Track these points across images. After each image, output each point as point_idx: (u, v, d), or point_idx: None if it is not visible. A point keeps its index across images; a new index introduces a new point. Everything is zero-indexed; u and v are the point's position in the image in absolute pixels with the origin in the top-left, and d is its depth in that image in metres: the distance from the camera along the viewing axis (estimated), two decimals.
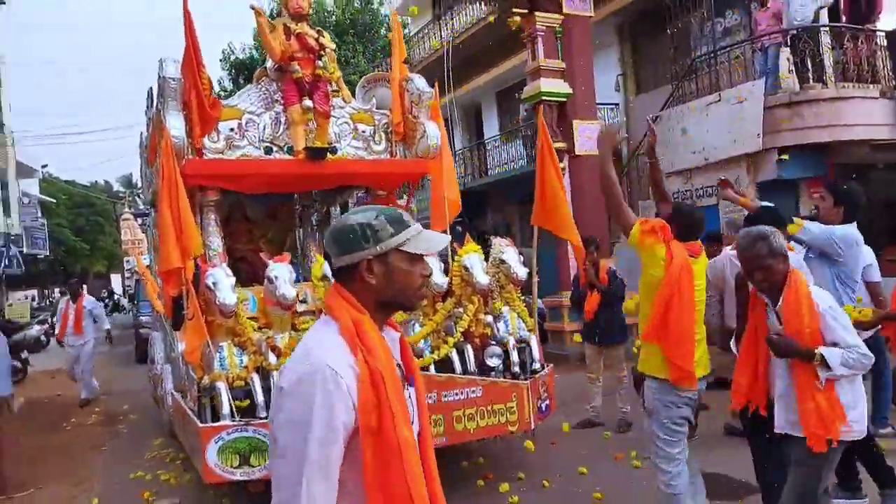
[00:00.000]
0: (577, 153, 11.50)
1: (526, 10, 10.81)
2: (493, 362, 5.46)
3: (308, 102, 6.09)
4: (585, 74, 11.88)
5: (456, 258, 5.68)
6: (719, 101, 11.64)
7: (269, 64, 6.43)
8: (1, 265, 23.78)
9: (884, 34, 11.04)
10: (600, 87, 13.27)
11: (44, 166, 32.66)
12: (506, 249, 5.69)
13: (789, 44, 10.93)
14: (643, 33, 15.67)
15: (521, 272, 5.56)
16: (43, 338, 17.84)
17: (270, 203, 8.16)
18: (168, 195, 5.06)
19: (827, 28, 11.10)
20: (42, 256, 30.46)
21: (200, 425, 4.86)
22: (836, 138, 10.66)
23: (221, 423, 4.85)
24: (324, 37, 6.26)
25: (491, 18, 15.21)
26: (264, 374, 5.13)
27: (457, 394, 5.20)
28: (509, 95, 19.02)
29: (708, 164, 11.84)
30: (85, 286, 13.45)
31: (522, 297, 5.93)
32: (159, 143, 6.13)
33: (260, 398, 4.99)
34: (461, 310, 5.63)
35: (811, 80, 10.85)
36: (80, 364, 10.74)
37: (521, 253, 5.78)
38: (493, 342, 5.64)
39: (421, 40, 20.07)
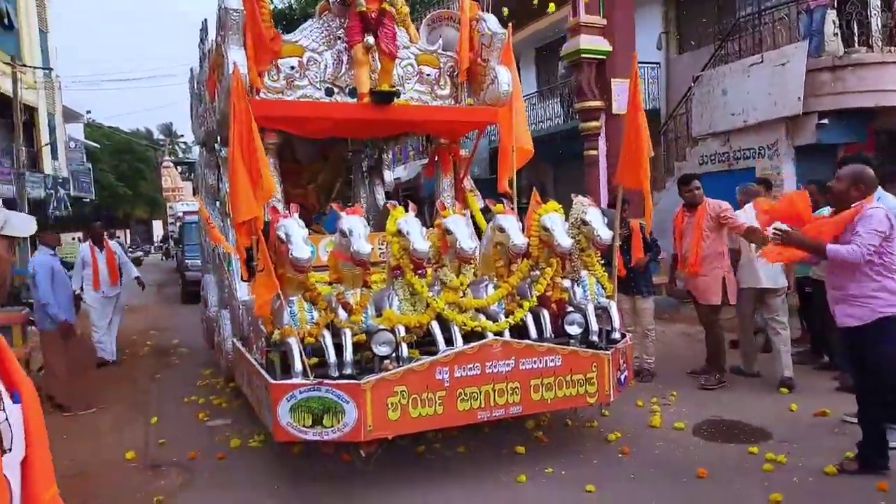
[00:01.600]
0: (614, 112, 10.85)
1: None
2: (572, 330, 4.92)
3: (371, 40, 5.46)
4: (626, 32, 11.35)
5: (535, 216, 5.10)
6: (762, 62, 11.10)
7: None
8: (51, 207, 23.49)
9: None
10: (641, 45, 12.58)
11: (88, 112, 32.12)
12: (588, 209, 5.11)
13: (835, 6, 10.35)
14: None
15: (605, 235, 5.00)
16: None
17: (321, 145, 7.58)
18: (239, 137, 4.50)
19: None
20: (88, 200, 30.16)
21: (272, 381, 4.41)
22: (878, 103, 10.18)
23: (294, 380, 4.39)
24: None
25: None
26: (335, 331, 4.65)
27: (535, 362, 4.70)
28: (548, 52, 18.19)
29: (747, 126, 11.38)
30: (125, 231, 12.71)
31: (602, 261, 5.35)
32: (219, 80, 5.56)
33: (331, 356, 4.52)
34: (538, 272, 5.08)
35: (857, 44, 10.34)
36: (110, 317, 9.07)
37: (604, 214, 5.18)
38: (572, 308, 5.09)
39: None
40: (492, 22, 5.89)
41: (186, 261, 16.12)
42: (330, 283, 4.87)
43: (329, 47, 5.79)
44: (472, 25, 6.02)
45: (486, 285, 5.11)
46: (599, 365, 4.88)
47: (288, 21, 18.65)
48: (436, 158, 6.74)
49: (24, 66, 22.02)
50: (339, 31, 5.78)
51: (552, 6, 11.46)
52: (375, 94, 5.52)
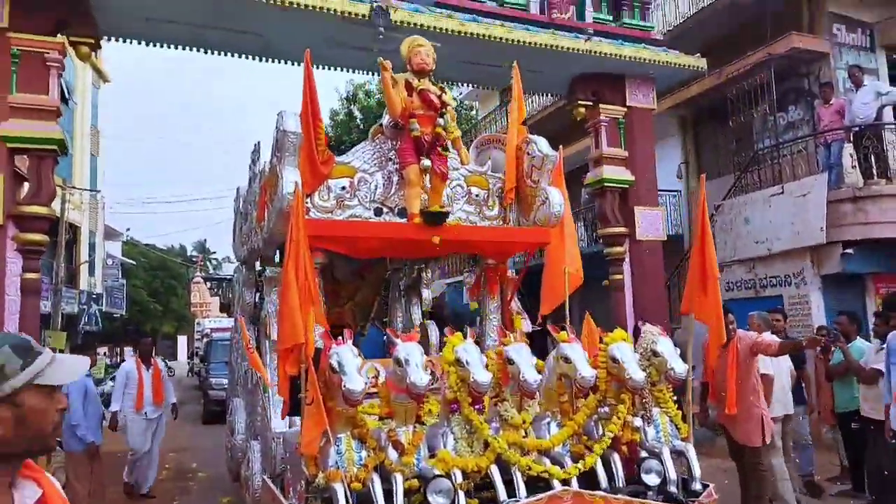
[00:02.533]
0: (638, 238, 10.61)
1: (591, 102, 10.25)
2: (651, 480, 4.21)
3: (427, 162, 5.18)
4: (647, 163, 11.23)
5: (602, 346, 4.53)
6: (782, 193, 11.02)
7: (384, 121, 5.58)
8: (81, 322, 23.15)
9: None
10: (662, 174, 12.52)
11: (127, 230, 32.52)
12: (659, 339, 4.53)
13: (852, 140, 10.40)
14: (705, 124, 15.05)
15: (680, 368, 4.39)
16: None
17: (360, 264, 7.18)
18: (295, 259, 4.05)
19: (893, 125, 10.58)
20: (118, 315, 29.87)
21: None
22: None
23: None
24: (446, 94, 5.38)
25: (557, 107, 14.58)
26: (384, 474, 3.98)
27: None
28: (572, 179, 18.17)
29: (772, 255, 11.14)
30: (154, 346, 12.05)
31: (675, 398, 4.70)
32: (270, 200, 5.23)
33: None
34: (607, 409, 4.43)
35: (875, 176, 10.28)
36: (152, 440, 8.21)
37: (676, 345, 4.59)
38: (646, 452, 4.39)
39: (488, 125, 19.66)
40: (542, 144, 5.62)
41: (211, 379, 15.42)
42: (381, 418, 4.24)
43: (380, 168, 5.51)
44: (521, 147, 5.73)
45: (549, 423, 4.47)
46: None
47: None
48: (481, 279, 6.28)
49: (74, 188, 22.44)
50: (391, 153, 5.53)
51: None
52: (427, 215, 5.15)
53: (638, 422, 4.48)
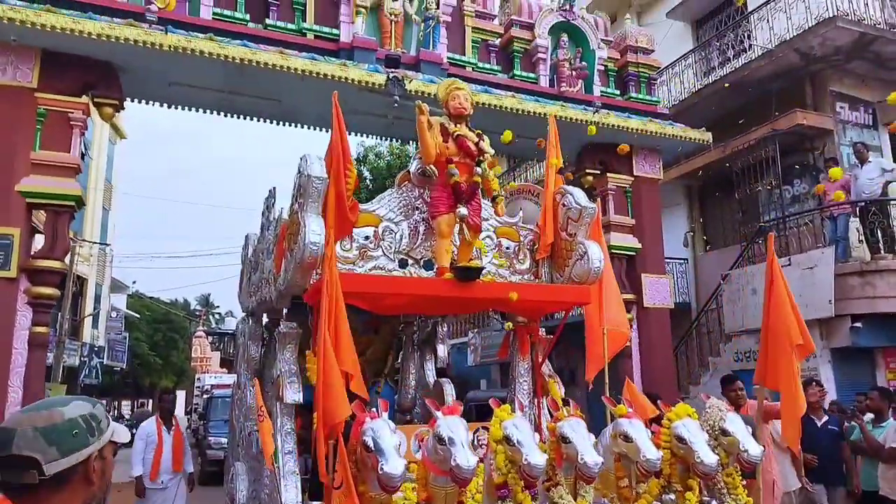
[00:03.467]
0: (645, 305, 10.21)
1: (599, 171, 10.12)
2: None
3: (464, 211, 4.59)
4: (654, 231, 10.93)
5: (664, 423, 3.87)
6: (789, 265, 10.44)
7: (412, 167, 5.00)
8: (82, 375, 22.14)
9: None
10: (669, 242, 12.23)
11: (133, 282, 31.78)
12: (728, 416, 3.87)
13: (858, 214, 10.13)
14: (712, 194, 14.73)
15: (755, 451, 3.72)
16: None
17: (372, 317, 6.49)
18: (330, 317, 3.43)
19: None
20: (118, 369, 28.76)
21: None
22: None
23: None
24: (484, 141, 4.84)
25: (567, 175, 14.26)
26: None
27: None
28: None
29: None
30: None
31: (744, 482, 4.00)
32: (290, 249, 4.64)
33: None
34: (672, 497, 3.74)
35: (882, 251, 9.93)
36: None
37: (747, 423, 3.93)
38: None
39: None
40: (579, 195, 5.06)
41: (210, 437, 14.43)
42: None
43: (406, 217, 4.95)
44: (555, 199, 5.19)
45: None
46: None
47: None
48: (510, 339, 5.66)
49: (85, 241, 21.83)
50: (418, 202, 4.98)
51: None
52: (460, 270, 4.54)
53: None
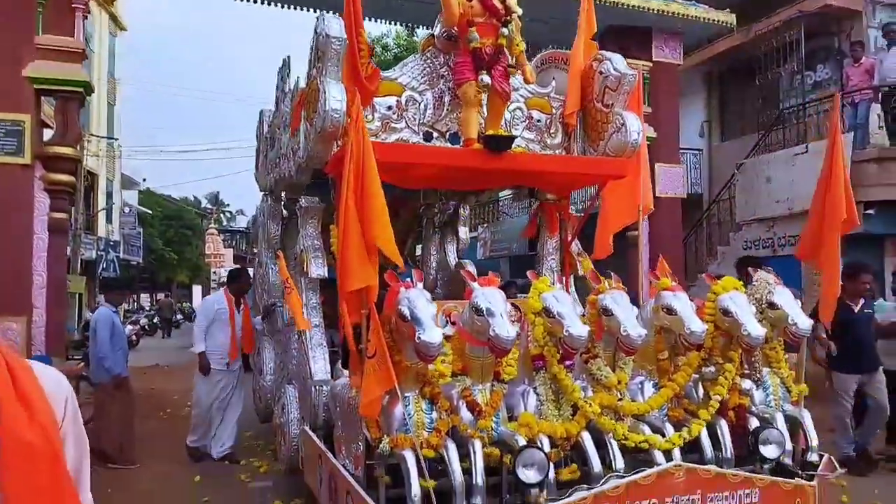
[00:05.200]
0: (657, 195, 9.96)
1: None
2: (770, 452, 3.32)
3: (486, 79, 4.12)
4: (670, 119, 10.43)
5: (710, 296, 3.61)
6: (806, 152, 10.25)
7: (437, 31, 4.48)
8: (99, 268, 22.17)
9: None
10: (685, 132, 11.89)
11: (144, 179, 31.26)
12: (776, 289, 3.60)
13: (880, 100, 9.64)
14: (731, 82, 14.08)
15: (804, 324, 3.47)
16: (133, 338, 16.88)
17: (392, 198, 6.16)
18: (356, 185, 3.09)
19: None
20: (136, 263, 28.84)
21: None
22: None
23: None
24: None
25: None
26: (457, 440, 3.10)
27: (727, 498, 3.11)
28: None
29: (792, 214, 10.38)
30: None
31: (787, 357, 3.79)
32: (308, 118, 4.24)
33: (459, 479, 2.94)
34: (712, 369, 3.53)
35: None
36: (228, 399, 6.13)
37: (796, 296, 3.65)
38: (758, 420, 3.51)
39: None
40: (619, 62, 4.54)
41: None
42: (454, 375, 3.33)
43: (430, 86, 4.49)
44: (591, 66, 4.68)
45: (643, 383, 3.57)
46: (803, 500, 3.27)
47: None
48: (538, 216, 5.35)
49: (92, 135, 21.20)
50: (443, 69, 4.50)
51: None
52: (490, 140, 4.14)
53: (747, 384, 3.59)
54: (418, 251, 7.49)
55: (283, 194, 5.90)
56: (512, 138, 4.24)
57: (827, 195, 3.65)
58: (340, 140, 4.00)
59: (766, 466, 3.35)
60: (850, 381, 5.45)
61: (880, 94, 9.69)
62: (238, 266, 7.89)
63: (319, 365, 4.36)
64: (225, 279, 8.64)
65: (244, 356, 6.40)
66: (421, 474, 2.91)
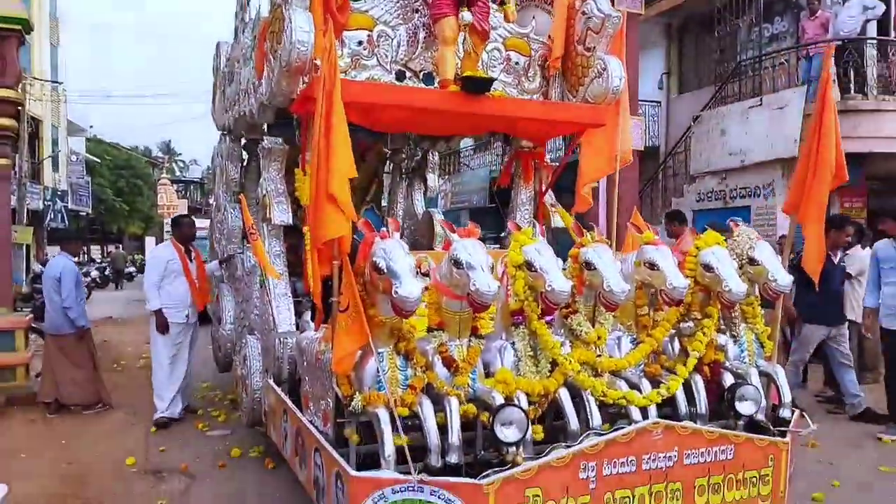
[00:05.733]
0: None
1: None
2: (746, 408, 3.26)
3: (468, 16, 3.87)
4: (630, 71, 10.40)
5: (691, 251, 3.49)
6: (761, 105, 10.46)
7: None
8: (47, 219, 21.10)
9: None
10: (643, 85, 11.91)
11: (90, 126, 29.68)
12: (758, 245, 3.51)
13: (833, 54, 9.51)
14: (690, 34, 14.10)
15: (784, 280, 3.40)
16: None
17: (358, 141, 5.86)
18: (327, 128, 2.82)
19: (874, 41, 10.02)
20: (85, 214, 27.60)
21: (352, 473, 2.66)
22: (872, 149, 9.57)
23: (384, 473, 2.66)
24: None
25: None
26: (433, 397, 2.94)
27: (703, 454, 3.05)
28: None
29: (744, 167, 10.70)
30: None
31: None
32: (272, 51, 3.90)
33: (434, 437, 2.79)
34: (690, 324, 3.44)
35: (853, 91, 9.79)
36: (189, 351, 5.73)
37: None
38: (733, 375, 3.45)
39: None
40: (602, 2, 4.29)
41: None
42: (429, 330, 3.15)
43: (404, 21, 4.18)
44: (573, 6, 4.43)
45: (620, 338, 3.46)
46: (776, 457, 3.25)
47: None
48: (513, 164, 5.15)
49: (35, 79, 19.85)
50: (418, 3, 4.18)
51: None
52: (468, 82, 3.89)
53: (723, 339, 3.52)
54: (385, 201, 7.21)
55: (242, 134, 5.54)
56: (491, 81, 3.99)
57: (818, 148, 3.52)
58: (308, 76, 3.68)
59: (740, 423, 3.31)
60: (819, 332, 5.52)
61: (834, 48, 9.83)
62: (180, 214, 7.41)
63: (284, 316, 4.14)
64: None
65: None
66: (395, 432, 2.74)
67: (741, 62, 11.71)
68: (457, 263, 2.88)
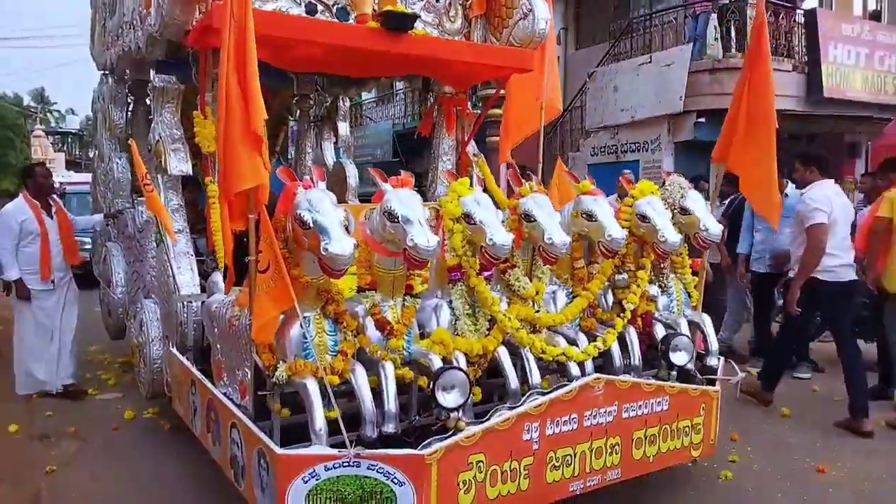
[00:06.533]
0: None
1: None
2: (679, 359, 3.21)
3: None
4: None
5: (625, 201, 3.35)
6: (650, 62, 10.72)
7: None
8: None
9: (802, 13, 10.45)
10: None
11: None
12: (689, 194, 3.41)
13: (717, 12, 10.18)
14: None
15: (715, 229, 3.33)
16: None
17: (262, 84, 5.29)
18: (237, 65, 2.37)
19: (753, 1, 10.21)
20: None
21: (279, 451, 2.34)
22: None
23: (316, 449, 2.37)
24: None
25: None
26: (365, 361, 2.65)
27: (641, 407, 2.99)
28: None
29: (634, 122, 11.01)
30: None
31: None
32: None
33: (369, 407, 2.52)
34: (624, 276, 3.33)
35: (733, 49, 10.11)
36: (64, 319, 4.94)
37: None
38: (663, 325, 3.39)
39: None
40: None
41: None
42: (360, 290, 2.83)
43: None
44: None
45: (555, 292, 3.29)
46: (708, 406, 3.25)
47: None
48: (434, 112, 4.82)
49: None
50: None
51: None
52: (390, 17, 3.49)
53: (654, 290, 3.44)
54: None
55: (126, 74, 4.83)
56: (415, 17, 3.60)
57: (750, 97, 3.43)
58: (205, 4, 3.15)
59: (672, 373, 3.27)
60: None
61: (717, 7, 10.12)
62: (32, 162, 6.30)
63: (186, 277, 3.66)
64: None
65: (84, 264, 5.25)
66: (326, 403, 2.44)
67: (633, 19, 11.86)
68: (391, 216, 2.56)
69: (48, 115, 43.78)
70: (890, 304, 4.58)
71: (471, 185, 2.92)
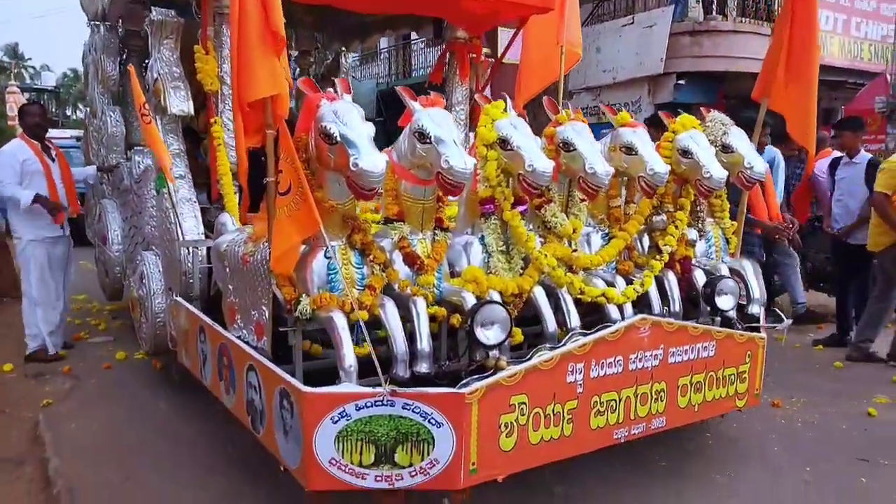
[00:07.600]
0: (504, 61, 9.75)
1: None
2: (725, 303, 2.98)
3: None
4: None
5: (665, 136, 3.11)
6: (632, 23, 10.75)
7: None
8: None
9: None
10: None
11: None
12: (731, 130, 3.17)
13: None
14: None
15: (760, 167, 3.10)
16: None
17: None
18: None
19: None
20: None
21: (304, 389, 2.10)
22: (728, 69, 10.09)
23: (345, 387, 2.13)
24: None
25: None
26: (394, 298, 2.41)
27: (687, 352, 2.76)
28: None
29: (615, 83, 11.06)
30: None
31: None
32: None
33: (401, 344, 2.28)
34: (662, 218, 3.09)
35: (714, 12, 10.23)
36: (61, 278, 4.55)
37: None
38: (703, 271, 3.17)
39: None
40: None
41: None
42: (387, 221, 2.57)
43: None
44: None
45: (589, 233, 3.06)
46: (754, 353, 3.03)
47: None
48: (446, 58, 4.57)
49: None
50: None
51: None
52: None
53: (693, 234, 3.22)
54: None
55: (119, 23, 4.53)
56: None
57: (794, 32, 3.20)
58: None
59: (717, 319, 3.05)
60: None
61: None
62: (25, 102, 5.93)
63: (190, 223, 3.41)
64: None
65: (72, 223, 4.68)
66: (355, 339, 2.20)
67: None
68: (422, 137, 2.30)
69: (22, 70, 42.52)
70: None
71: (505, 108, 2.66)
